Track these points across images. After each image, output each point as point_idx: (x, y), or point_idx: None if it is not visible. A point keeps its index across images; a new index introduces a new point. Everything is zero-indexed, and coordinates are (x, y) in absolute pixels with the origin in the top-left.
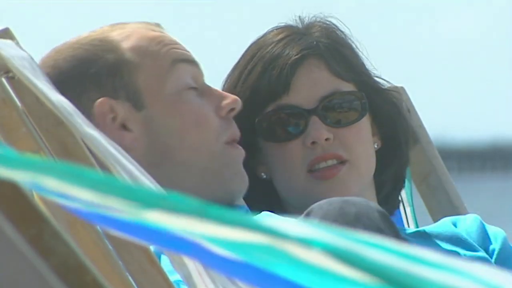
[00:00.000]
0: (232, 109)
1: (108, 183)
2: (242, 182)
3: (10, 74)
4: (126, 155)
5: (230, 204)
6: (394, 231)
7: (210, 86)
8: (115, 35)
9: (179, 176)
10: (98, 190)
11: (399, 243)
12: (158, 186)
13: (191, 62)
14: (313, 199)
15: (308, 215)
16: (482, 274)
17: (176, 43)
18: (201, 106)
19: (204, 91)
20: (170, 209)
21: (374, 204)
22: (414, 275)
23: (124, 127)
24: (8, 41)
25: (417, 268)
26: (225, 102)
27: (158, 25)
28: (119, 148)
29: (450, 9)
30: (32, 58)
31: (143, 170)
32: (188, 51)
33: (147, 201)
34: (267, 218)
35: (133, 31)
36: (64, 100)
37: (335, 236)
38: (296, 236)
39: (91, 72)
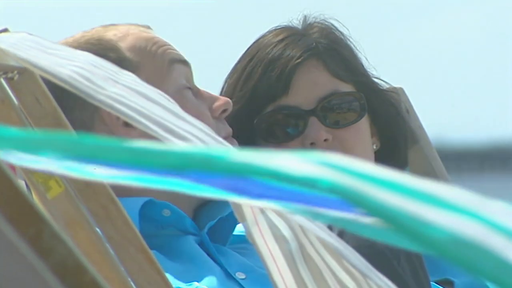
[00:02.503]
0: (224, 110)
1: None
2: None
3: (9, 75)
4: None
5: (209, 202)
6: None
7: (199, 88)
8: (111, 35)
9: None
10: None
11: (412, 179)
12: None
13: (186, 63)
14: None
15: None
16: (496, 216)
17: (169, 44)
18: (198, 105)
19: (196, 92)
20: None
21: None
22: (420, 219)
23: (127, 124)
24: (6, 34)
25: (427, 209)
26: (217, 103)
27: (148, 27)
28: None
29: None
30: (32, 34)
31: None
32: (180, 53)
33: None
34: (271, 157)
35: (128, 32)
36: (79, 68)
37: (342, 174)
38: (300, 175)
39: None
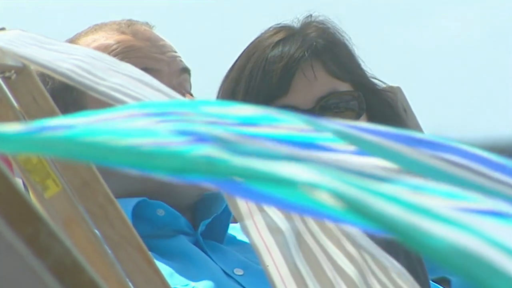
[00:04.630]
0: None
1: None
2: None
3: (7, 74)
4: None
5: (202, 199)
6: None
7: (174, 88)
8: (82, 42)
9: (143, 186)
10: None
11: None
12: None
13: (142, 70)
14: None
15: None
16: (495, 233)
17: (133, 49)
18: None
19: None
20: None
21: None
22: (420, 228)
23: None
24: (1, 32)
25: (423, 220)
26: None
27: (131, 23)
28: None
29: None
30: (25, 31)
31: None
32: (150, 56)
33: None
34: (272, 163)
35: (96, 38)
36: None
37: (343, 183)
38: (301, 180)
39: (48, 87)
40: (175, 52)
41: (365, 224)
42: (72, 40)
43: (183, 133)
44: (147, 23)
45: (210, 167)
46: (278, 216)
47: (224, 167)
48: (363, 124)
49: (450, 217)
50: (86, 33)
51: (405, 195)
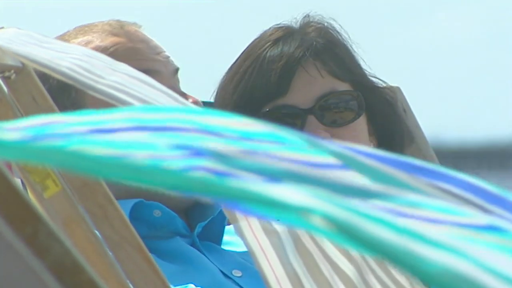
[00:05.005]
0: None
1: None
2: None
3: (6, 74)
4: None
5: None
6: None
7: (174, 89)
8: (75, 43)
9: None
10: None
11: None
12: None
13: (145, 72)
14: None
15: None
16: (485, 258)
17: (133, 52)
18: None
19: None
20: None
21: None
22: (413, 253)
23: None
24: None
25: (416, 245)
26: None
27: (122, 24)
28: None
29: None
30: (22, 29)
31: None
32: (149, 58)
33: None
34: (267, 185)
35: (90, 39)
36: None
37: (337, 206)
38: (296, 204)
39: (48, 87)
40: (165, 51)
41: (358, 248)
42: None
43: (180, 147)
44: (135, 23)
45: (206, 187)
46: None
47: (220, 187)
48: (363, 147)
49: (442, 242)
50: (75, 34)
51: (398, 219)
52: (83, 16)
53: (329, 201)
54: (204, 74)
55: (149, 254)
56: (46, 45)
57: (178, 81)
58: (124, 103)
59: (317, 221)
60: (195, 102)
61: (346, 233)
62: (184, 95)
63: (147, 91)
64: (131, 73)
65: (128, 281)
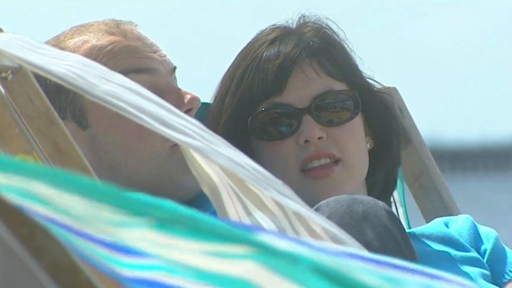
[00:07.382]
0: (189, 110)
1: (98, 190)
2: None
3: (3, 74)
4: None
5: (189, 202)
6: (400, 230)
7: (172, 86)
8: (71, 44)
9: (134, 188)
10: (87, 196)
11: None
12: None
13: (143, 70)
14: (307, 199)
15: (315, 212)
16: None
17: (130, 50)
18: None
19: (163, 93)
20: (160, 217)
21: (381, 203)
22: None
23: (113, 124)
24: None
25: None
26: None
27: (117, 23)
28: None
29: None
30: (19, 35)
31: (171, 114)
32: (147, 56)
33: (137, 208)
34: (258, 232)
35: (87, 39)
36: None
37: (322, 254)
38: (284, 250)
39: (44, 88)
40: (161, 50)
41: None
42: (56, 44)
43: None
44: (131, 22)
45: (197, 227)
46: (265, 220)
47: (211, 229)
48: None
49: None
50: (71, 35)
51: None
52: (83, 16)
53: (315, 250)
54: (204, 74)
55: None
56: (40, 51)
57: (175, 79)
58: (120, 108)
59: (305, 266)
60: (193, 99)
61: (333, 278)
62: (181, 94)
63: (141, 101)
64: (124, 84)
65: None
